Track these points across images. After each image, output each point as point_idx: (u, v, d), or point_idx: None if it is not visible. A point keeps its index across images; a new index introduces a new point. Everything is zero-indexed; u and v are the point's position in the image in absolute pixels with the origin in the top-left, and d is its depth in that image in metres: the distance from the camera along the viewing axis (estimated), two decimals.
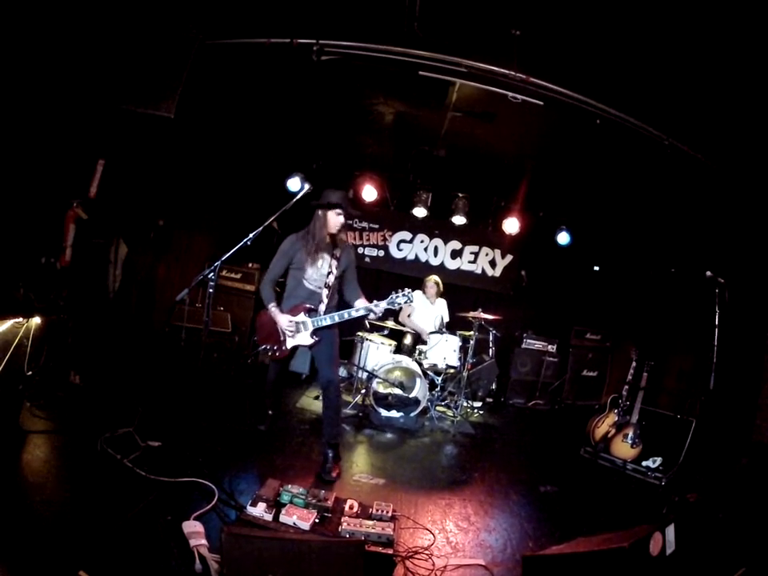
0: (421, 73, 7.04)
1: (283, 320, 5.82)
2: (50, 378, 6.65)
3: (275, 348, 5.98)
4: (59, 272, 7.44)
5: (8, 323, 5.77)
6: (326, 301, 5.96)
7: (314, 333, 5.86)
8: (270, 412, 6.53)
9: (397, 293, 5.69)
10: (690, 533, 4.21)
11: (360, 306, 5.92)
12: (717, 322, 6.15)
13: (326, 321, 5.83)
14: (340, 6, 6.39)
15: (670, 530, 3.94)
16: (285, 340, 5.92)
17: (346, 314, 5.82)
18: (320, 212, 5.87)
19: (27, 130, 6.69)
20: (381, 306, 5.70)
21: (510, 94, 7.08)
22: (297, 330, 5.86)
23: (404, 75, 7.21)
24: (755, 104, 6.21)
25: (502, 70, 6.85)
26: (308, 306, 5.88)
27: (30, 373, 6.15)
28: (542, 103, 7.10)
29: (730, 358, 6.47)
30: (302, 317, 5.86)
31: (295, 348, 6.02)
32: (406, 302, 5.66)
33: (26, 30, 6.12)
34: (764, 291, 7.44)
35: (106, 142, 7.78)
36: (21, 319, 5.92)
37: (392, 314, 9.62)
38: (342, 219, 5.86)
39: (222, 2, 6.55)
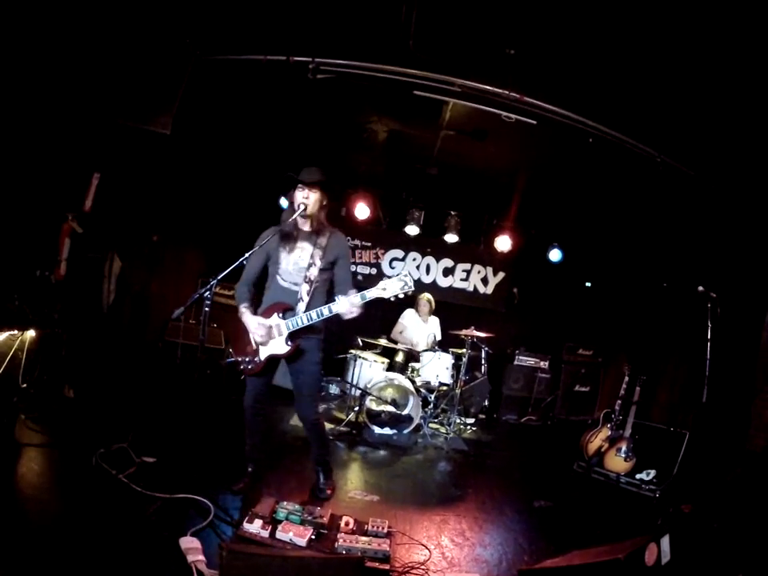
0: (416, 92, 7.08)
1: (253, 323, 5.02)
2: (45, 390, 6.66)
3: (247, 360, 5.16)
4: (54, 285, 7.43)
5: (3, 335, 5.80)
6: (306, 299, 5.08)
7: (290, 338, 5.03)
8: (249, 469, 5.58)
9: (390, 278, 4.83)
10: (684, 543, 4.24)
11: (340, 299, 4.89)
12: (709, 336, 6.21)
13: (303, 321, 4.97)
14: (336, 24, 6.41)
15: (665, 541, 3.97)
16: (258, 350, 5.11)
17: (326, 311, 4.92)
18: (290, 193, 5.20)
19: (22, 143, 6.71)
20: (369, 294, 4.82)
21: (504, 113, 7.14)
22: (269, 336, 5.02)
23: (399, 94, 7.25)
24: (744, 120, 6.28)
25: (496, 90, 6.88)
26: (284, 305, 5.08)
27: (25, 385, 6.20)
28: (534, 122, 7.17)
29: (722, 370, 6.52)
30: (275, 318, 5.04)
31: (275, 361, 5.20)
32: (402, 289, 4.77)
33: (23, 43, 6.16)
34: (755, 303, 7.50)
35: (101, 156, 7.79)
36: (15, 332, 5.95)
37: (384, 331, 9.65)
38: (304, 194, 5.05)
39: (220, 18, 6.56)
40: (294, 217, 5.05)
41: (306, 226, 5.17)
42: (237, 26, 6.69)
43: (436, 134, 8.71)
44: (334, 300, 4.97)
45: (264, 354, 5.10)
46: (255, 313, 5.14)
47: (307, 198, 5.04)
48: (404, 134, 9.10)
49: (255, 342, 5.11)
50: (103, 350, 8.25)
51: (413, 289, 4.84)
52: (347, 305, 4.82)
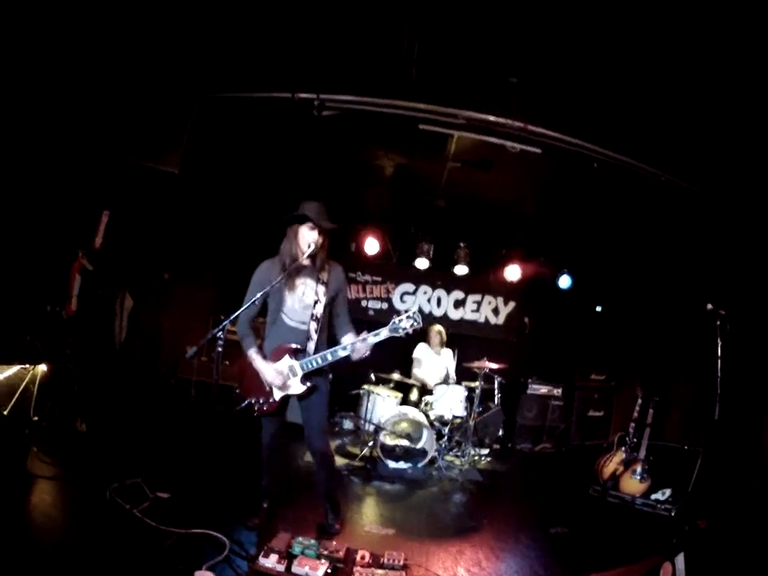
0: (421, 126, 7.14)
1: (269, 371, 4.95)
2: (57, 424, 6.72)
3: (261, 401, 5.11)
4: (65, 321, 7.50)
5: (14, 369, 5.87)
6: (314, 337, 5.02)
7: (305, 378, 4.99)
8: (264, 504, 5.58)
9: (400, 315, 4.77)
10: (701, 559, 4.19)
11: (352, 340, 4.95)
12: (719, 353, 6.19)
13: (318, 362, 4.92)
14: (340, 60, 6.51)
15: (680, 559, 3.94)
16: (272, 391, 5.05)
17: (340, 351, 4.89)
18: (291, 228, 5.05)
19: (34, 181, 6.81)
20: (382, 333, 4.79)
21: (509, 143, 7.18)
22: (285, 380, 4.97)
23: (404, 128, 7.31)
24: (748, 134, 6.30)
25: (500, 120, 6.96)
26: (293, 346, 4.98)
27: (37, 418, 6.25)
28: (539, 151, 7.21)
29: (733, 387, 6.49)
30: (287, 360, 4.97)
31: (287, 398, 5.16)
32: (412, 326, 4.71)
33: (34, 83, 6.28)
34: (763, 319, 7.47)
35: (110, 194, 7.88)
36: (27, 366, 6.01)
37: (397, 366, 9.61)
38: (315, 235, 4.92)
39: (225, 56, 6.66)
40: (296, 253, 4.95)
41: (305, 261, 5.00)
42: (241, 64, 6.79)
43: (442, 166, 8.75)
44: (333, 333, 5.15)
45: (278, 395, 5.06)
46: (263, 354, 5.06)
47: (318, 239, 4.93)
48: (410, 167, 9.19)
49: (270, 385, 5.04)
50: (116, 385, 8.27)
51: (421, 325, 4.80)
52: (363, 347, 4.83)
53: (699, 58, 5.41)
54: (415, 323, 4.72)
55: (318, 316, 5.02)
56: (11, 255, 6.74)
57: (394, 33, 5.84)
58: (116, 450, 6.72)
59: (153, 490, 5.51)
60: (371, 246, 11.17)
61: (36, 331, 6.81)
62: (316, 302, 5.02)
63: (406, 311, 4.76)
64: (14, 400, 5.93)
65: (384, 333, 4.79)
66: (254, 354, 5.02)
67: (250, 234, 10.62)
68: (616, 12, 5.09)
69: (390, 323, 4.77)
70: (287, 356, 4.97)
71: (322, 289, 5.04)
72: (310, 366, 4.95)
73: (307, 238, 4.91)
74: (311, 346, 5.00)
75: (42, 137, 6.76)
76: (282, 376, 4.95)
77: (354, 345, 4.85)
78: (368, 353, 4.89)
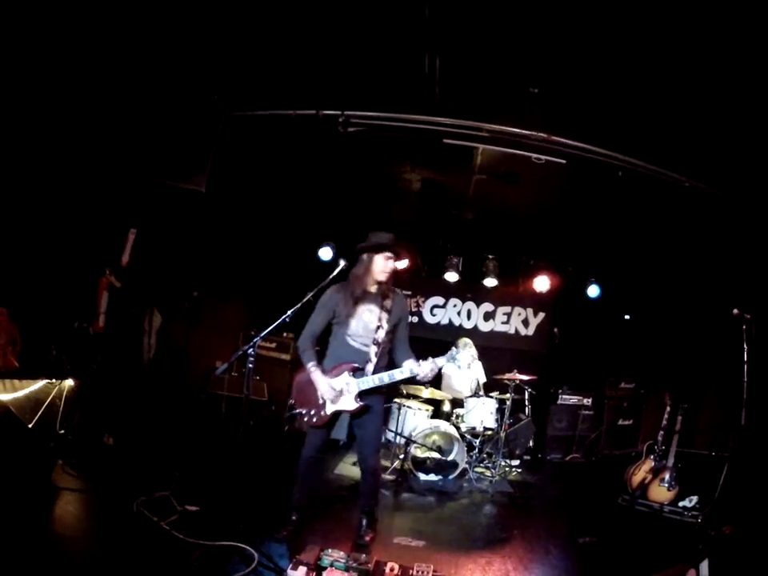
0: (446, 140, 7.17)
1: (323, 384, 5.10)
2: (83, 438, 6.77)
3: (312, 413, 5.24)
4: (92, 337, 7.61)
5: (40, 383, 5.97)
6: (374, 360, 5.19)
7: (359, 396, 5.15)
8: (293, 517, 5.57)
9: (457, 348, 5.12)
10: (726, 564, 4.16)
11: (411, 365, 5.12)
12: (746, 358, 6.14)
13: (374, 382, 5.12)
14: (364, 77, 6.55)
15: (704, 566, 3.92)
16: (324, 404, 5.19)
17: (396, 374, 5.12)
18: (365, 256, 5.21)
19: (62, 199, 6.98)
20: (439, 362, 5.06)
21: (534, 155, 7.19)
22: (339, 394, 5.13)
23: (429, 143, 7.35)
24: None
25: (524, 131, 6.98)
26: (353, 365, 5.15)
27: (63, 431, 6.31)
28: (564, 161, 7.22)
29: (760, 391, 6.42)
30: (345, 377, 5.14)
31: (337, 414, 5.26)
32: (465, 360, 5.04)
33: (62, 105, 6.43)
34: None
35: (137, 212, 8.04)
36: (53, 380, 6.10)
37: (433, 383, 9.62)
38: (391, 264, 5.18)
39: (249, 75, 6.75)
40: (369, 281, 5.21)
41: (372, 288, 5.25)
42: (265, 82, 6.88)
43: (469, 179, 8.79)
44: (393, 358, 5.35)
45: (330, 409, 5.21)
46: (322, 368, 5.25)
47: (390, 269, 5.19)
48: (437, 181, 9.20)
49: (323, 398, 5.21)
50: (144, 401, 8.34)
51: (474, 359, 5.08)
52: (427, 369, 5.06)
53: (719, 64, 5.38)
54: (471, 357, 4.94)
55: (380, 341, 5.20)
56: (40, 272, 6.89)
57: (416, 50, 5.86)
58: (144, 463, 6.77)
59: (181, 503, 5.54)
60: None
61: (63, 347, 6.92)
62: (378, 327, 5.20)
63: (457, 343, 4.98)
64: (39, 414, 6.01)
65: (442, 361, 5.09)
66: (312, 368, 5.20)
67: (278, 251, 10.72)
68: (636, 20, 5.08)
69: (448, 353, 5.08)
70: (346, 373, 5.16)
71: (385, 315, 5.22)
72: (366, 385, 5.13)
73: (384, 266, 5.17)
74: (370, 367, 5.18)
75: (70, 157, 6.92)
76: (335, 390, 5.12)
77: (418, 368, 5.08)
78: (432, 375, 5.16)
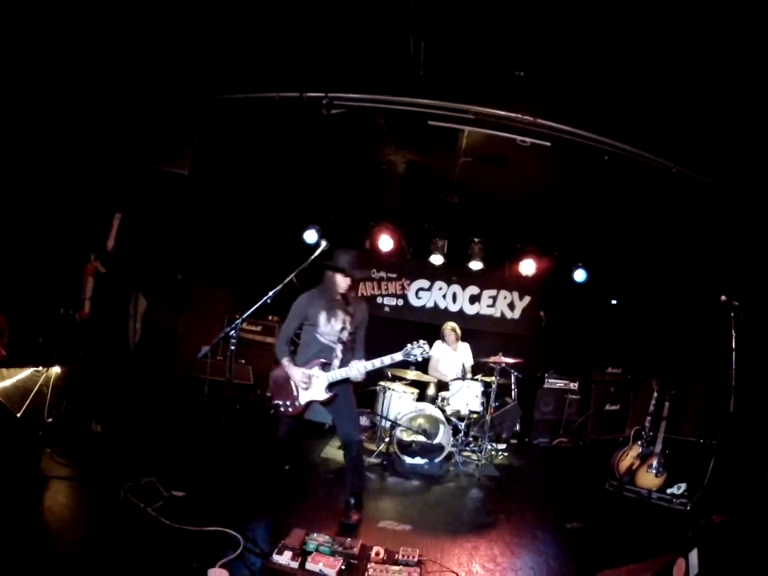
0: (430, 122, 7.15)
1: (297, 373, 5.77)
2: (71, 425, 6.76)
3: (288, 404, 5.89)
4: (78, 324, 7.59)
5: (27, 371, 5.94)
6: (340, 356, 5.88)
7: (329, 388, 5.80)
8: (286, 467, 6.48)
9: (413, 345, 5.59)
10: (716, 554, 4.16)
11: (355, 364, 5.74)
12: (734, 345, 6.14)
13: (342, 374, 5.73)
14: (348, 60, 6.53)
15: (693, 555, 3.91)
16: (298, 395, 5.86)
17: (345, 372, 5.76)
18: (329, 272, 5.91)
19: (46, 186, 6.92)
20: (396, 358, 5.62)
21: (519, 137, 7.16)
22: (310, 383, 5.79)
23: (414, 125, 7.32)
24: (761, 127, 6.24)
25: (509, 114, 6.96)
26: (323, 360, 5.83)
27: (51, 420, 6.29)
28: (549, 144, 7.20)
29: (748, 379, 6.43)
30: (316, 370, 5.79)
31: (309, 404, 5.92)
32: (421, 354, 5.54)
33: (45, 90, 6.38)
34: None
35: (122, 197, 8.00)
36: (40, 368, 6.09)
37: (419, 366, 9.58)
38: (348, 282, 5.90)
39: (232, 58, 6.71)
40: (334, 292, 5.88)
41: (337, 297, 5.92)
42: (249, 65, 6.84)
43: (454, 162, 8.76)
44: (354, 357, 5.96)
45: (304, 398, 5.87)
46: (295, 363, 5.91)
47: (348, 284, 5.91)
48: (422, 164, 9.19)
49: (297, 389, 5.87)
50: (130, 387, 8.31)
51: (428, 353, 5.65)
52: (355, 372, 5.69)
53: (708, 48, 5.36)
54: (424, 352, 5.57)
55: (344, 339, 5.92)
56: (24, 259, 6.83)
57: (400, 32, 5.84)
58: (131, 450, 6.76)
59: (168, 488, 5.53)
60: (385, 242, 11.19)
61: (49, 334, 6.89)
62: (343, 329, 5.92)
63: (418, 342, 5.58)
64: (27, 402, 5.98)
65: (398, 356, 5.63)
66: (286, 362, 5.88)
67: (262, 234, 10.67)
68: (623, 3, 5.06)
69: (404, 350, 5.60)
70: (316, 367, 5.83)
71: (348, 318, 5.95)
72: (334, 378, 5.77)
73: (341, 284, 5.89)
74: (336, 362, 5.86)
75: (53, 142, 6.87)
76: (307, 377, 5.79)
77: (354, 366, 5.72)
78: (361, 377, 5.79)
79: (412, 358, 5.58)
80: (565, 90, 6.57)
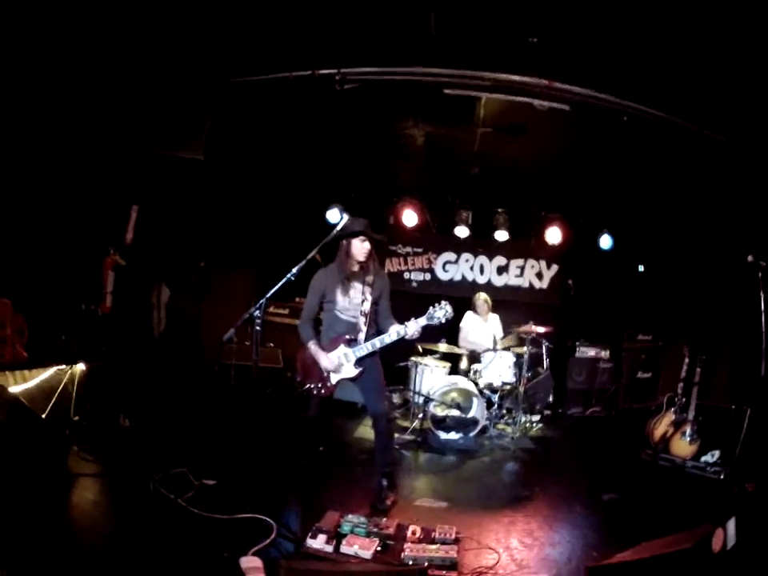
0: (446, 91, 7.06)
1: (324, 358, 5.61)
2: (99, 422, 6.75)
3: (320, 386, 5.72)
4: (101, 318, 7.60)
5: (50, 370, 5.97)
6: (364, 329, 5.73)
7: (357, 363, 5.65)
8: (320, 447, 6.51)
9: (435, 307, 5.45)
10: (750, 522, 4.07)
11: (397, 328, 5.58)
12: (763, 306, 6.00)
13: (368, 348, 5.60)
14: (359, 34, 6.48)
15: (731, 524, 3.82)
16: (328, 375, 5.69)
17: (387, 338, 5.57)
18: (344, 242, 5.71)
19: (61, 180, 6.96)
20: (420, 322, 5.47)
21: (537, 101, 7.06)
22: (340, 364, 5.64)
23: (430, 95, 7.26)
24: None
25: (525, 79, 6.86)
26: (347, 337, 5.68)
27: (77, 418, 6.30)
28: (568, 107, 7.09)
29: None
30: (342, 348, 5.64)
31: (340, 382, 5.78)
32: (444, 316, 5.41)
33: (53, 88, 6.38)
34: None
35: (138, 188, 8.00)
36: (63, 366, 6.09)
37: (443, 335, 9.50)
38: (367, 245, 5.66)
39: (243, 40, 6.67)
40: (351, 263, 5.69)
41: (355, 268, 5.72)
42: (258, 47, 6.79)
43: (473, 132, 8.68)
44: (379, 326, 5.87)
45: (335, 379, 5.72)
46: (321, 345, 5.73)
47: (367, 250, 5.67)
48: (441, 136, 9.10)
49: (326, 371, 5.68)
50: (157, 378, 8.30)
51: (452, 314, 5.49)
52: (412, 328, 5.48)
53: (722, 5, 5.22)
54: (447, 313, 5.43)
55: (366, 312, 5.74)
56: (43, 258, 6.87)
57: (410, 1, 5.78)
58: (160, 442, 6.75)
59: (198, 477, 5.53)
60: (409, 217, 11.09)
61: (71, 331, 6.90)
62: (363, 300, 5.74)
63: (440, 303, 5.44)
64: (52, 402, 6.00)
65: (422, 321, 5.47)
66: (312, 345, 5.69)
67: (284, 216, 10.62)
68: None
69: (427, 313, 5.46)
70: (342, 345, 5.66)
71: (368, 289, 5.75)
72: (361, 353, 5.63)
73: (360, 249, 5.65)
74: (361, 336, 5.71)
75: (66, 140, 6.89)
76: (335, 359, 5.63)
77: (404, 329, 5.51)
78: (418, 334, 5.55)
79: (436, 321, 5.45)
80: (579, 53, 6.46)
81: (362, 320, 5.75)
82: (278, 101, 7.63)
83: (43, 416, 5.80)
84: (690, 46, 5.95)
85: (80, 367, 6.47)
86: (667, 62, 6.25)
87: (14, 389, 5.60)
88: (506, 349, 9.11)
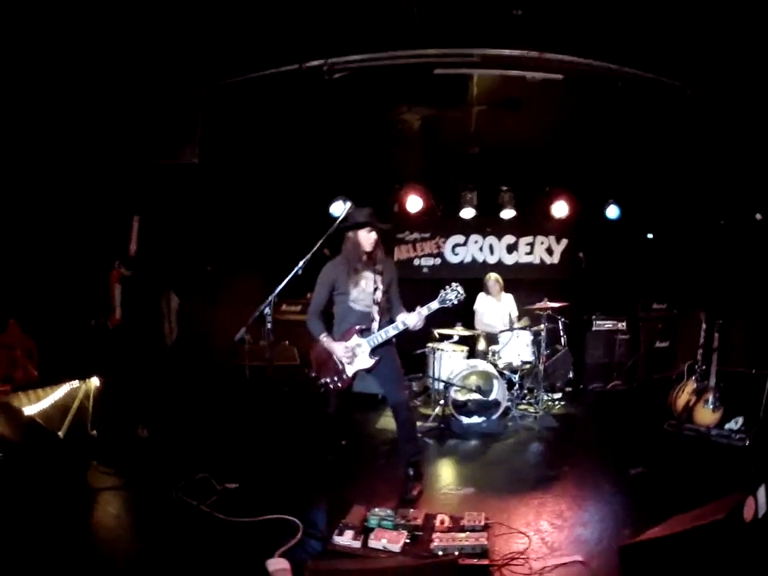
0: (436, 71, 7.02)
1: (338, 348, 5.58)
2: (117, 435, 6.74)
3: (336, 379, 5.70)
4: (111, 332, 7.62)
5: (64, 388, 5.96)
6: (377, 318, 5.68)
7: (372, 353, 5.61)
8: (342, 442, 6.51)
9: (446, 290, 5.46)
10: None
11: (403, 317, 5.61)
12: None
13: (381, 337, 5.57)
14: (341, 23, 6.40)
15: (761, 492, 3.74)
16: (344, 368, 5.65)
17: (401, 325, 5.53)
18: (350, 233, 5.71)
19: (63, 200, 6.98)
20: (433, 306, 5.48)
21: (528, 74, 6.99)
22: (354, 355, 5.61)
23: (421, 78, 7.22)
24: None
25: (514, 52, 6.81)
26: (360, 327, 5.64)
27: (95, 432, 6.30)
28: (561, 77, 7.05)
29: None
30: (356, 339, 5.61)
31: (356, 374, 5.74)
32: (456, 297, 5.40)
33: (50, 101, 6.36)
34: None
35: (137, 199, 7.99)
36: (76, 382, 6.08)
37: (458, 319, 9.43)
38: (374, 235, 5.67)
39: (225, 41, 6.61)
40: (360, 253, 5.66)
41: (364, 258, 5.70)
42: (243, 47, 6.75)
43: (468, 112, 8.63)
44: (391, 314, 5.84)
45: (351, 371, 5.68)
46: (333, 337, 5.72)
47: (374, 239, 5.68)
48: (437, 118, 9.02)
49: (341, 363, 5.65)
50: (173, 385, 8.26)
51: (464, 295, 5.47)
52: (415, 318, 5.51)
53: None
54: (459, 295, 5.43)
55: (378, 300, 5.71)
56: (49, 276, 6.90)
57: None
58: (180, 450, 6.73)
59: (221, 482, 5.52)
60: (414, 203, 10.98)
61: (82, 346, 6.90)
62: (375, 289, 5.72)
63: (451, 285, 5.45)
64: (68, 419, 5.98)
65: (434, 305, 5.49)
66: (324, 338, 5.67)
67: (287, 214, 10.57)
68: None
69: (439, 296, 5.49)
70: (355, 336, 5.65)
71: (378, 278, 5.73)
72: (375, 342, 5.60)
73: (368, 239, 5.66)
74: (375, 326, 5.68)
75: (62, 157, 6.93)
76: (350, 350, 5.60)
77: (408, 318, 5.53)
78: (422, 324, 5.57)
79: (448, 303, 5.44)
80: (565, 22, 6.36)
81: (375, 309, 5.71)
82: (269, 98, 7.60)
83: (60, 434, 5.81)
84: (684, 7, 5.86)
85: (94, 382, 6.46)
86: (657, 22, 6.15)
87: (29, 409, 5.57)
88: (523, 328, 9.01)
